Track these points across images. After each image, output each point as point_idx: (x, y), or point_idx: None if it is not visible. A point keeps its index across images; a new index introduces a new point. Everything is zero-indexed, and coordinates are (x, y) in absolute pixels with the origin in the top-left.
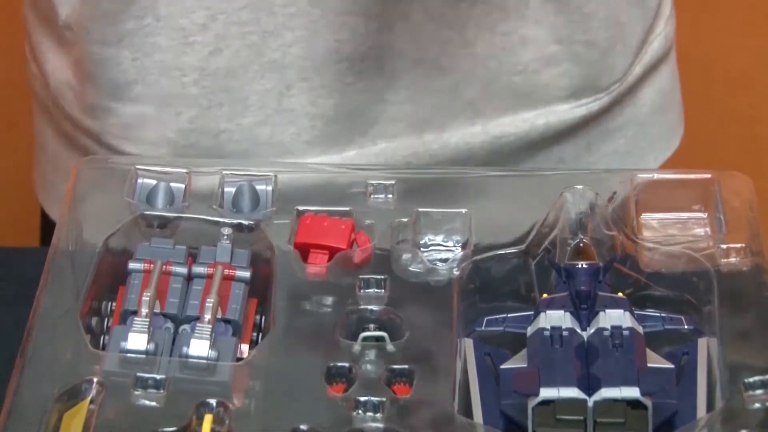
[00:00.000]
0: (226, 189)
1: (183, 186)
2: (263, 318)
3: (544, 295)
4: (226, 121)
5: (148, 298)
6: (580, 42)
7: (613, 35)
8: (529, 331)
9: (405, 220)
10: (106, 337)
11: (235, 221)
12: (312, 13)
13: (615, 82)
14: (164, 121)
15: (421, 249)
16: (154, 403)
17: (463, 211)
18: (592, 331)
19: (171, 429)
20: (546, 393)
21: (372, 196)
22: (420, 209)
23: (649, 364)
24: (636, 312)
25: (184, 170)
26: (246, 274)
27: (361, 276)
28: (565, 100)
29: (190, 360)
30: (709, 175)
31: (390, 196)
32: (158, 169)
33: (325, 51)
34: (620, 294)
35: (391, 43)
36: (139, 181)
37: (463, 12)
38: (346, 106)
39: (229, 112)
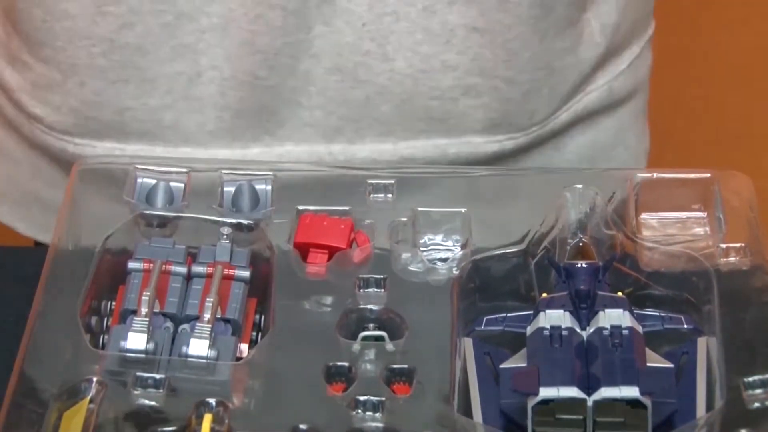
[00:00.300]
0: (225, 188)
1: (182, 185)
2: (263, 317)
3: (544, 295)
4: (132, 99)
5: (147, 298)
6: (502, 78)
7: (540, 78)
8: (529, 330)
9: (404, 219)
10: (106, 337)
11: (234, 221)
12: (229, 0)
13: (535, 124)
14: (69, 88)
15: (421, 248)
16: (153, 403)
17: (463, 210)
18: (591, 330)
19: (170, 428)
20: (545, 392)
21: (371, 195)
22: (419, 209)
23: (648, 364)
24: (635, 311)
25: (184, 169)
26: (245, 273)
27: (360, 275)
28: (479, 133)
29: (190, 359)
30: (708, 175)
31: (389, 195)
32: (158, 168)
33: (239, 41)
34: (620, 293)
35: (308, 44)
36: (139, 180)
37: (385, 26)
38: (256, 101)
39: (135, 90)
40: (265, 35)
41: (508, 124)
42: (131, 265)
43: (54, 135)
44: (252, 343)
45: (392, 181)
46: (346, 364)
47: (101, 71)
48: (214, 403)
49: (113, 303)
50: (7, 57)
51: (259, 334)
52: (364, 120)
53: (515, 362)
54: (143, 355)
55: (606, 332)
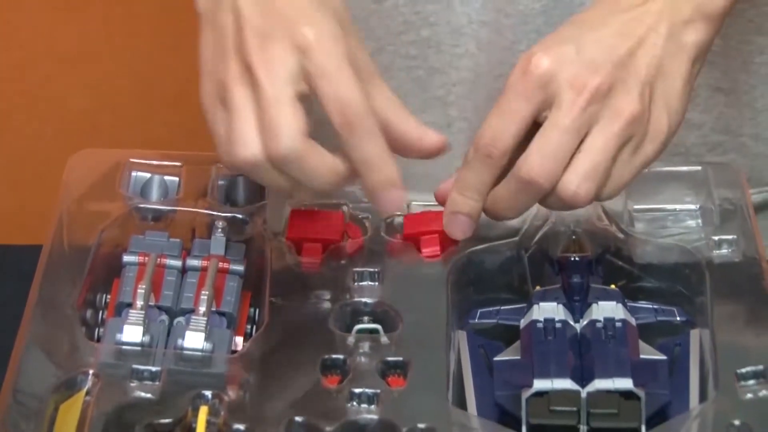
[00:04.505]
0: (220, 182)
1: (177, 179)
2: (257, 311)
3: (537, 288)
4: None
5: (143, 291)
6: (749, 135)
7: None
8: (523, 323)
9: (398, 213)
10: (102, 329)
11: (229, 214)
12: (478, 56)
13: None
14: (321, 135)
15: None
16: (149, 395)
17: None
18: (585, 323)
19: (166, 420)
20: (540, 384)
21: None
22: (413, 201)
23: (641, 356)
24: (628, 304)
25: (179, 163)
26: (240, 267)
27: (355, 268)
28: None
29: (186, 352)
30: (699, 168)
31: None
32: (152, 162)
33: (486, 96)
34: (613, 286)
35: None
36: (133, 173)
37: None
38: None
39: None
40: None
41: (757, 179)
42: (126, 258)
43: None
44: (247, 336)
45: None
46: (341, 356)
47: None
48: (209, 396)
49: (108, 296)
50: None
51: (254, 327)
52: None
53: (509, 355)
54: (139, 348)
55: (599, 324)
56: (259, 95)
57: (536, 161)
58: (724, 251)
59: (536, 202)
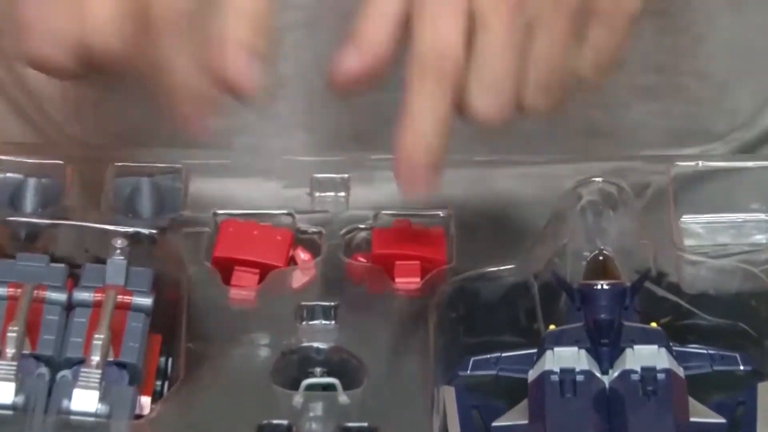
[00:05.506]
0: (119, 185)
1: (60, 182)
2: (170, 360)
3: (552, 327)
4: None
5: (14, 335)
6: (690, 73)
7: (739, 67)
8: (531, 375)
9: (362, 226)
10: None
11: (131, 229)
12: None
13: (736, 128)
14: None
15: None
16: None
17: (441, 213)
18: (615, 374)
19: None
20: None
21: (317, 194)
22: (384, 211)
23: (692, 418)
24: (675, 348)
25: (60, 160)
26: (147, 301)
27: (303, 303)
28: (660, 148)
29: (73, 417)
30: None
31: (342, 194)
32: (25, 159)
33: (329, 42)
34: (654, 324)
35: None
36: (0, 175)
37: None
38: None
39: None
40: None
41: (704, 133)
42: None
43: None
44: (156, 396)
45: (346, 176)
46: (284, 422)
47: None
48: None
49: None
50: None
51: (166, 382)
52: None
53: (513, 418)
54: (10, 411)
55: (635, 376)
56: None
57: (482, 103)
58: None
59: None
